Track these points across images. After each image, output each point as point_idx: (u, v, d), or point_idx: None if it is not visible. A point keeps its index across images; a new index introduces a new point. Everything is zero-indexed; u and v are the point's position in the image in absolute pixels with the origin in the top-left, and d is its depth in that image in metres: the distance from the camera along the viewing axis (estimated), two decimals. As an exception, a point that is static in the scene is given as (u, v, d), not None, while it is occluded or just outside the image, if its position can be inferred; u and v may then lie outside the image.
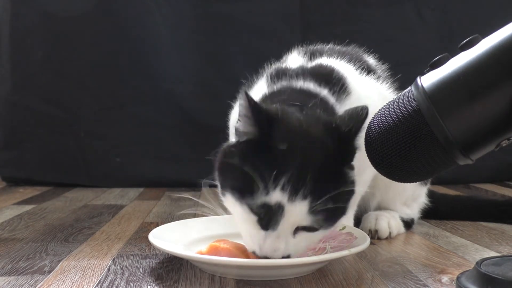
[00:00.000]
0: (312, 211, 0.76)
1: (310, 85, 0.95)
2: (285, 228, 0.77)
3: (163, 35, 1.91)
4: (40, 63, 1.93)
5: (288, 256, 0.79)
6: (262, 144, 0.77)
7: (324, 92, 0.94)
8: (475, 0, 1.95)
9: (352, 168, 0.82)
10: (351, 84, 0.99)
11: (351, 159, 0.81)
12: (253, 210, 0.78)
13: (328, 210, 0.76)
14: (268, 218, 0.77)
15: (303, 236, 0.79)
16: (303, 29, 1.93)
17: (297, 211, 0.76)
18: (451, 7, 1.96)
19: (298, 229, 0.78)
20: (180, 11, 1.92)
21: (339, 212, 0.80)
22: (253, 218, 0.78)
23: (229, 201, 0.81)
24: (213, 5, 1.93)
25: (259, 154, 0.77)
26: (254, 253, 0.80)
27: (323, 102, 0.91)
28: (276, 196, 0.75)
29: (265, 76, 1.03)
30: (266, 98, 0.93)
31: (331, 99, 0.94)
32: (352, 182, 0.81)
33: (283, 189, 0.75)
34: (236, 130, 0.81)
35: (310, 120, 0.81)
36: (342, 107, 0.93)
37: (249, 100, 0.76)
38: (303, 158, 0.76)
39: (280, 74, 0.99)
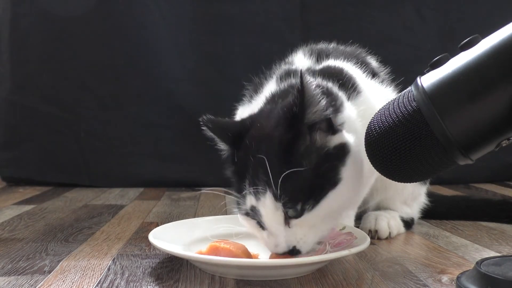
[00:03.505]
0: (279, 199, 0.77)
1: (318, 80, 0.94)
2: (271, 224, 0.80)
3: (163, 35, 1.91)
4: (40, 63, 1.93)
5: (297, 250, 0.81)
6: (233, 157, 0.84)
7: (329, 84, 0.94)
8: (475, 0, 1.95)
9: (328, 130, 0.81)
10: (360, 84, 1.00)
11: (324, 125, 0.81)
12: (248, 216, 0.83)
13: (294, 192, 0.77)
14: (257, 219, 0.82)
15: (299, 224, 0.80)
16: (303, 29, 1.93)
17: (267, 206, 0.78)
18: (451, 7, 1.96)
19: (288, 220, 0.80)
20: (180, 11, 1.92)
21: (321, 184, 0.79)
22: (253, 222, 0.84)
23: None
24: (213, 5, 1.93)
25: (232, 168, 0.85)
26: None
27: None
28: (249, 200, 0.81)
29: (274, 77, 1.04)
30: (272, 97, 0.94)
31: (340, 95, 0.93)
32: (323, 148, 0.80)
33: (250, 193, 0.80)
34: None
35: (270, 116, 0.84)
36: (354, 106, 0.93)
37: (208, 126, 0.84)
38: (254, 159, 0.79)
39: (289, 74, 0.99)
